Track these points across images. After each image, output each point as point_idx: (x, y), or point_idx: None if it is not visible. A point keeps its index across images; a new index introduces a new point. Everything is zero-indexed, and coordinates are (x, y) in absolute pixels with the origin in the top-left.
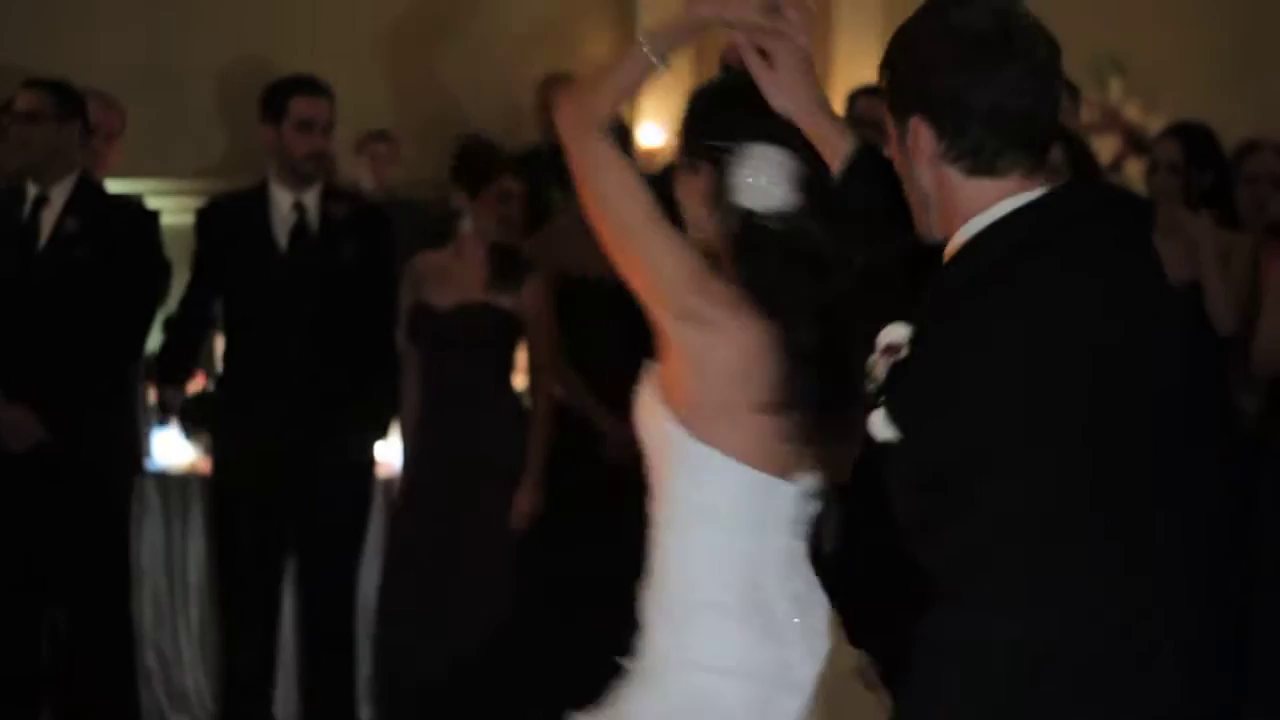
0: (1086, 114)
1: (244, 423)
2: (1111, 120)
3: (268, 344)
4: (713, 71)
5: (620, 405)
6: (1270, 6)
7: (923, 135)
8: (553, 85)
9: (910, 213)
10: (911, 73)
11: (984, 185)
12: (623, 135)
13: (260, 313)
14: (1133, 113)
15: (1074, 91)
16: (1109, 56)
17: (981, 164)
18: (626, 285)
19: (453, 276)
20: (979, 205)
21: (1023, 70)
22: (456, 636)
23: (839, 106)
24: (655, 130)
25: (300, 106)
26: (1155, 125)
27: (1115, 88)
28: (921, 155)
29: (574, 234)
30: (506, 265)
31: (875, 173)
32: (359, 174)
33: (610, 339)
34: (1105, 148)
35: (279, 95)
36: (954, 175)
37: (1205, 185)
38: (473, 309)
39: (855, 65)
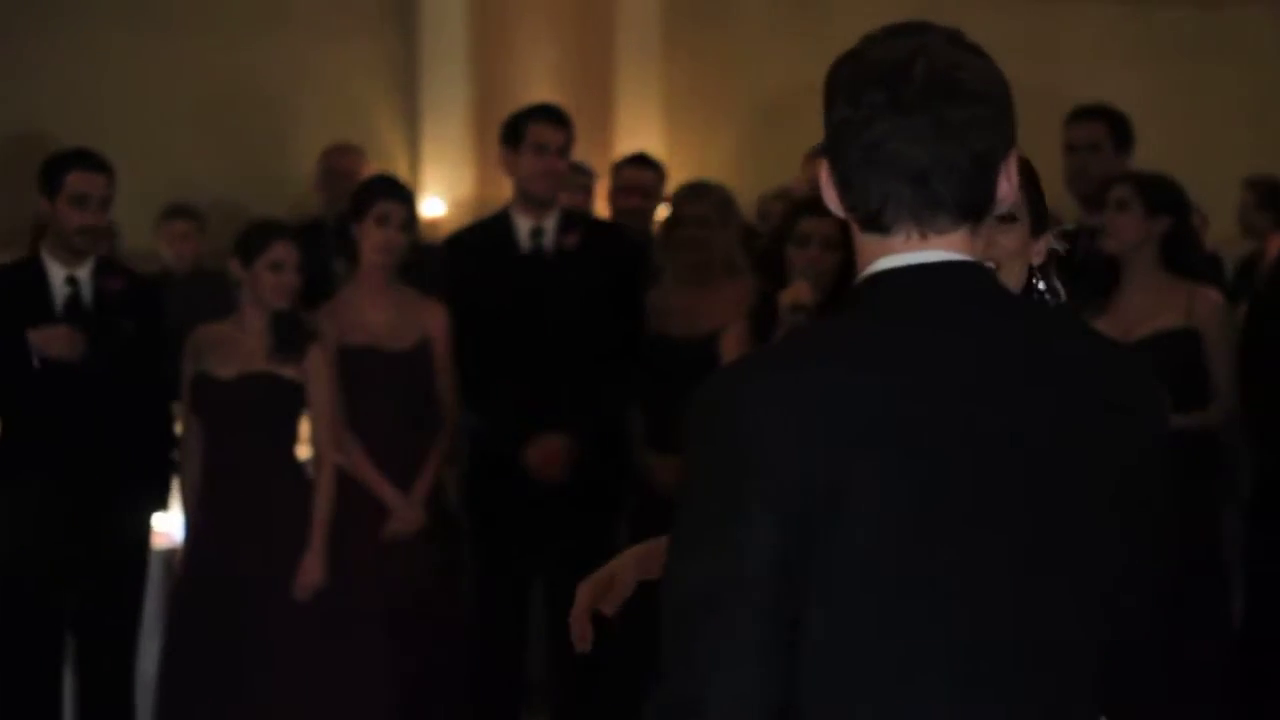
0: None
1: (19, 498)
2: None
3: (43, 417)
4: (494, 142)
5: (402, 475)
6: (1044, 77)
7: (825, 178)
8: (335, 155)
9: None
10: (824, 106)
11: (879, 242)
12: None
13: (35, 386)
14: None
15: None
16: None
17: (870, 219)
18: (409, 354)
19: (234, 347)
20: (865, 261)
21: (913, 117)
22: (242, 713)
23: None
24: (437, 202)
25: (75, 181)
26: None
27: None
28: (828, 201)
29: (358, 304)
30: (287, 334)
31: None
32: (159, 248)
33: (393, 408)
34: None
35: (55, 169)
36: (858, 232)
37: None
38: (255, 379)
39: (634, 135)
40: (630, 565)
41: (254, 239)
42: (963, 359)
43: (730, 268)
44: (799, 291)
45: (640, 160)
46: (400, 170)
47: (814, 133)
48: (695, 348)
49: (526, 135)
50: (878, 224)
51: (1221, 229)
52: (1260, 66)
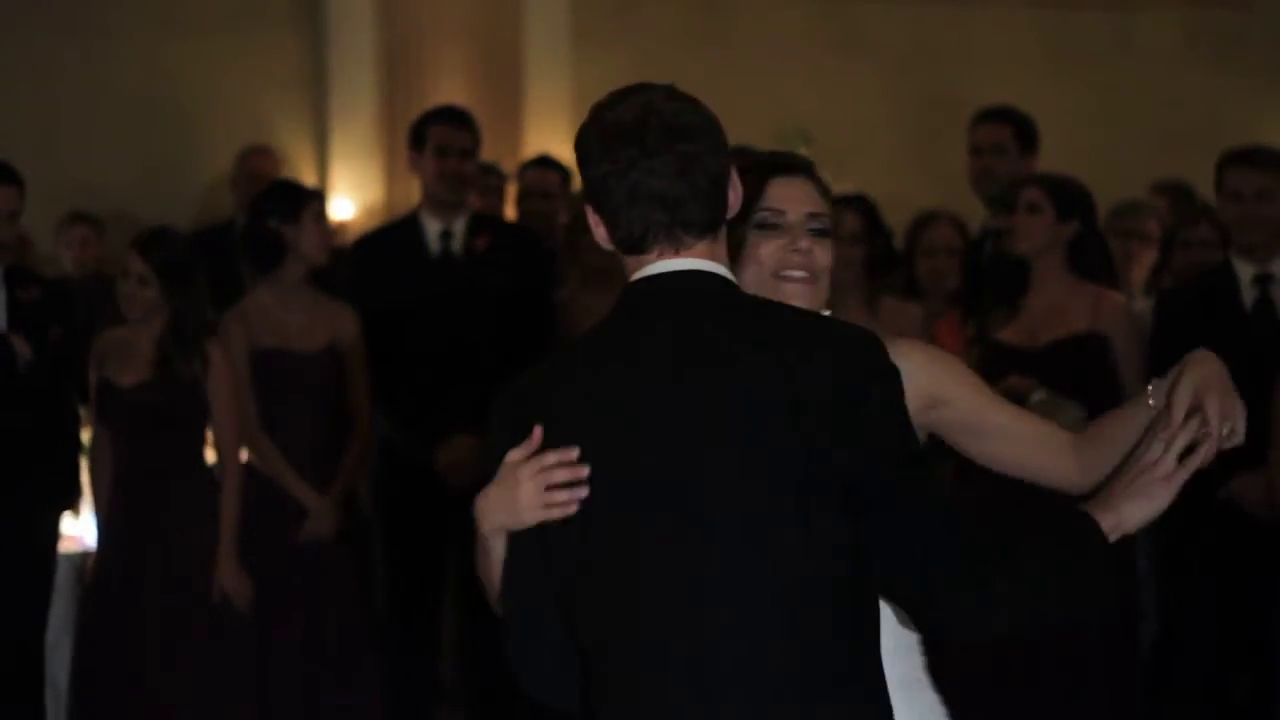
0: None
1: None
2: None
3: None
4: (403, 144)
5: (316, 475)
6: (951, 81)
7: (593, 219)
8: (252, 157)
9: None
10: (578, 166)
11: (637, 261)
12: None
13: None
14: None
15: None
16: (797, 127)
17: (632, 244)
18: (320, 357)
19: (133, 354)
20: (629, 275)
21: (658, 159)
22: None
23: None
24: (345, 204)
25: None
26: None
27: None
28: (598, 237)
29: (269, 307)
30: (183, 340)
31: None
32: (59, 255)
33: (305, 411)
34: None
35: None
36: (621, 254)
37: (880, 253)
38: (152, 387)
39: (544, 137)
40: None
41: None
42: (663, 342)
43: None
44: None
45: (544, 162)
46: (308, 172)
47: (729, 130)
48: None
49: (429, 138)
50: (640, 248)
51: None
52: (1165, 69)
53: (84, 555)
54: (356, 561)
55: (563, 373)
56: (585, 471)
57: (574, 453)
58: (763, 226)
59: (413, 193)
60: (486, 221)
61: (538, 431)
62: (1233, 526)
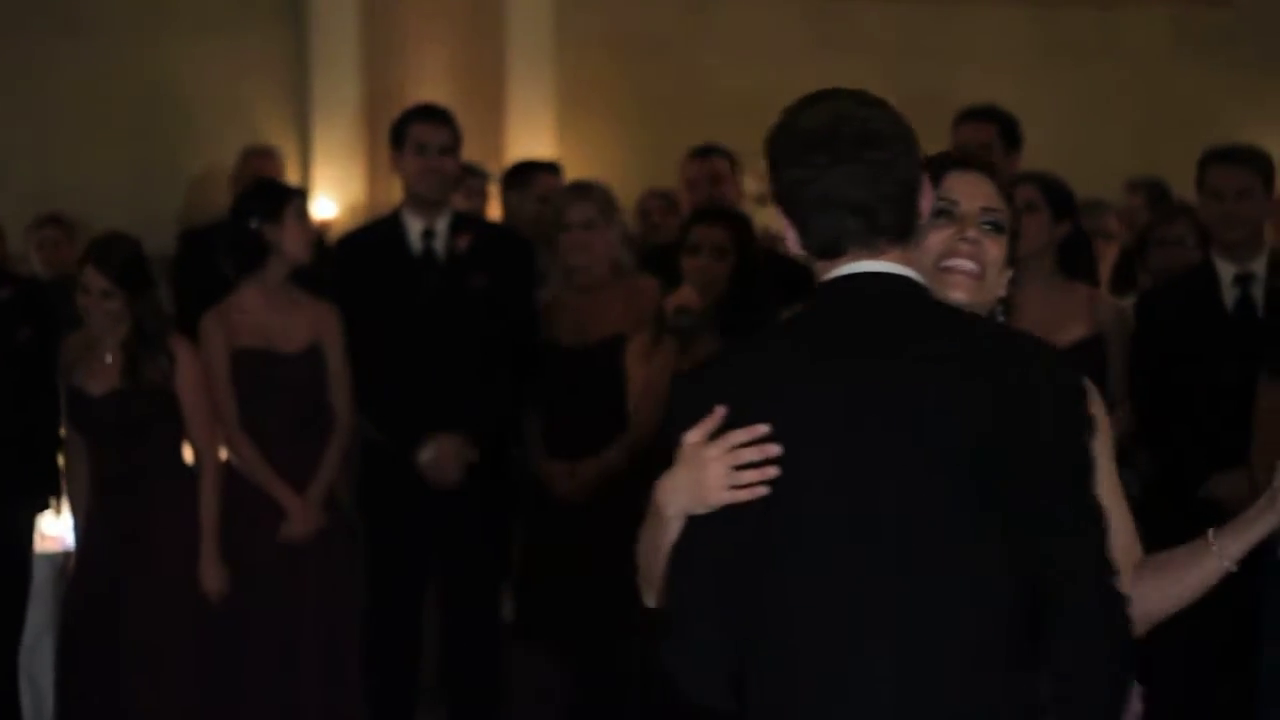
0: (753, 184)
1: None
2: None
3: None
4: (386, 143)
5: (297, 475)
6: (939, 78)
7: (784, 223)
8: (254, 157)
9: None
10: (769, 170)
11: (830, 264)
12: None
13: None
14: None
15: (737, 162)
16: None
17: (825, 249)
18: (302, 357)
19: (101, 361)
20: (819, 276)
21: (850, 166)
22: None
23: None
24: (328, 203)
25: None
26: None
27: None
28: (789, 242)
29: (251, 307)
30: (149, 340)
31: None
32: (31, 256)
33: (287, 411)
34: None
35: None
36: (813, 259)
37: None
38: (125, 394)
39: (526, 135)
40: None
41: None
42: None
43: (616, 268)
44: (684, 296)
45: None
46: (291, 171)
47: (704, 131)
48: (584, 354)
49: (409, 136)
50: (833, 254)
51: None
52: (1152, 67)
53: (65, 555)
54: (338, 561)
55: (746, 360)
56: (775, 450)
57: (762, 429)
58: (935, 215)
59: (395, 192)
60: (468, 221)
61: (719, 410)
62: (1213, 526)
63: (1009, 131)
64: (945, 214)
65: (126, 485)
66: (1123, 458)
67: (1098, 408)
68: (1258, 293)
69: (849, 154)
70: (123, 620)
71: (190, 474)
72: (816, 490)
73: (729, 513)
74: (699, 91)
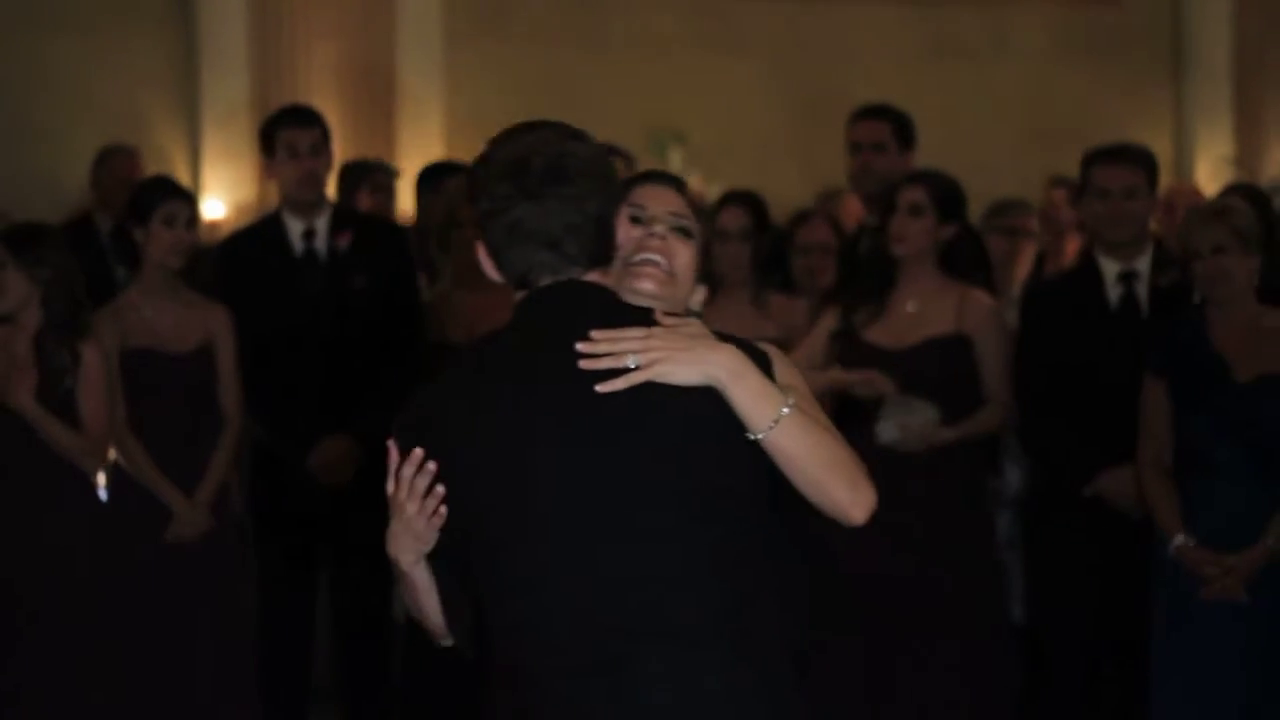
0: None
1: None
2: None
3: None
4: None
5: (186, 478)
6: (827, 78)
7: (481, 252)
8: (109, 157)
9: None
10: (470, 198)
11: (521, 294)
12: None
13: None
14: (694, 183)
15: (629, 161)
16: (670, 126)
17: (520, 280)
18: (192, 357)
19: (19, 369)
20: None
21: (537, 200)
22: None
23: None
24: (217, 203)
25: None
26: (715, 195)
27: (676, 158)
28: (486, 269)
29: (140, 306)
30: (60, 341)
31: None
32: None
33: (176, 411)
34: None
35: None
36: (512, 288)
37: (764, 252)
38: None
39: (416, 135)
40: None
41: None
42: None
43: None
44: None
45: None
46: (180, 171)
47: (600, 123)
48: None
49: (278, 140)
50: (526, 284)
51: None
52: (1039, 67)
53: None
54: (228, 563)
55: (453, 391)
56: (432, 466)
57: (419, 453)
58: (628, 221)
59: None
60: (348, 217)
61: (415, 454)
62: (1099, 523)
63: (903, 129)
64: (635, 220)
65: (23, 479)
66: (1006, 453)
67: (792, 376)
68: (1141, 290)
69: (535, 188)
70: (11, 621)
71: (81, 472)
72: (539, 483)
73: (450, 535)
74: (589, 93)
